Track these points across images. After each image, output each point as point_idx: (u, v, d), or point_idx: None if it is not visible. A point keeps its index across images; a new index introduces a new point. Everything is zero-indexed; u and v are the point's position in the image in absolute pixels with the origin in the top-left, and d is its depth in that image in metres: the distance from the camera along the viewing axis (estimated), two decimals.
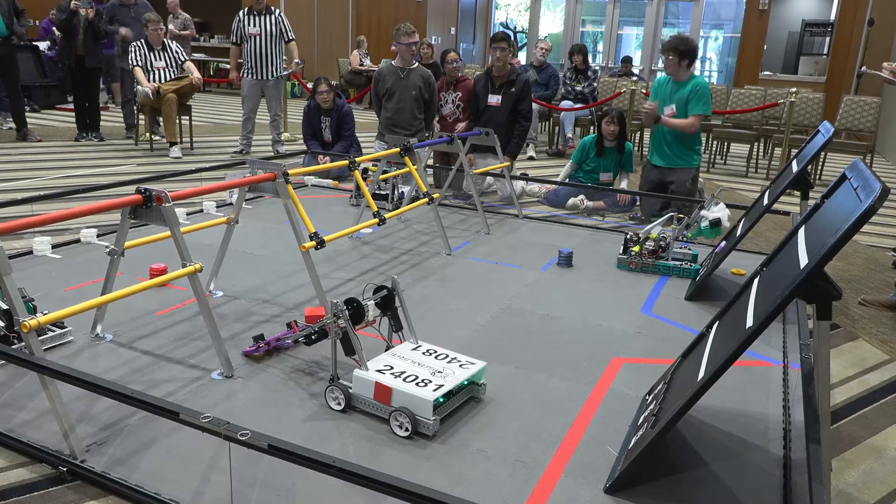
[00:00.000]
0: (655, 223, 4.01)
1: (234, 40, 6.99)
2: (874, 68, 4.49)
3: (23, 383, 2.31)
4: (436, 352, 2.40)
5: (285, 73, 7.38)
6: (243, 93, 7.05)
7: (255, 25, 6.82)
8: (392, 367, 2.26)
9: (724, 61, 14.60)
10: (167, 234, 2.34)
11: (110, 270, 2.52)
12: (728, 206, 5.06)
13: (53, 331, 2.61)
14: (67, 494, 1.83)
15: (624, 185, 5.56)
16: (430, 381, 2.18)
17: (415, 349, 2.42)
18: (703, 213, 3.87)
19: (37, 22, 11.64)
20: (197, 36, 13.19)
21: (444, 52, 6.03)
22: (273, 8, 7.00)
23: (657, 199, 5.13)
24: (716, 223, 3.79)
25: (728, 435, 2.19)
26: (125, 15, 7.85)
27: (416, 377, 2.20)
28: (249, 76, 6.95)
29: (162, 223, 2.26)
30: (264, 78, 6.97)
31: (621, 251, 3.90)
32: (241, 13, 6.91)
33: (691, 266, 3.73)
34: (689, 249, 3.84)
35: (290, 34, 7.03)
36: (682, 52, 4.92)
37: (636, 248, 3.84)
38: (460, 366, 2.31)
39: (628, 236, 3.93)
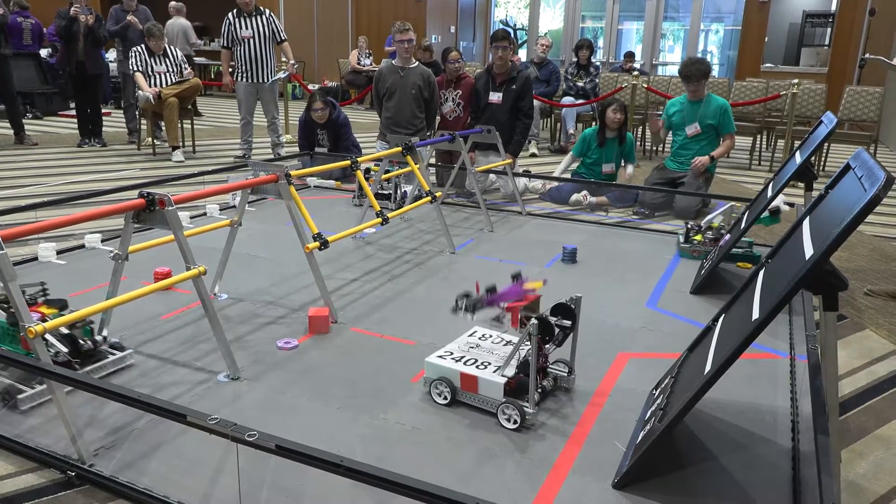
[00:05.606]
0: (716, 213, 4.23)
1: (225, 44, 6.83)
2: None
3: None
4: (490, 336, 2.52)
5: (285, 74, 7.35)
6: (239, 97, 6.94)
7: (247, 28, 6.67)
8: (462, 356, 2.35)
9: (725, 54, 14.57)
10: (171, 238, 2.34)
11: (115, 275, 2.52)
12: (732, 198, 5.07)
13: (114, 354, 2.47)
14: (76, 499, 1.84)
15: (630, 170, 5.58)
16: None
17: (471, 335, 2.53)
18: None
19: None
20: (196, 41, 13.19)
21: (446, 51, 6.01)
22: (263, 9, 6.85)
23: (658, 194, 5.12)
24: (775, 211, 3.88)
25: (736, 428, 2.19)
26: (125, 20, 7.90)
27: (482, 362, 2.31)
28: (243, 80, 6.81)
29: (165, 227, 2.26)
30: (259, 81, 6.83)
31: (682, 240, 4.04)
32: (230, 16, 6.71)
33: (752, 252, 3.81)
34: (744, 237, 3.95)
35: (282, 35, 6.91)
36: (704, 73, 5.21)
37: (698, 237, 4.00)
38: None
39: (689, 226, 4.10)
